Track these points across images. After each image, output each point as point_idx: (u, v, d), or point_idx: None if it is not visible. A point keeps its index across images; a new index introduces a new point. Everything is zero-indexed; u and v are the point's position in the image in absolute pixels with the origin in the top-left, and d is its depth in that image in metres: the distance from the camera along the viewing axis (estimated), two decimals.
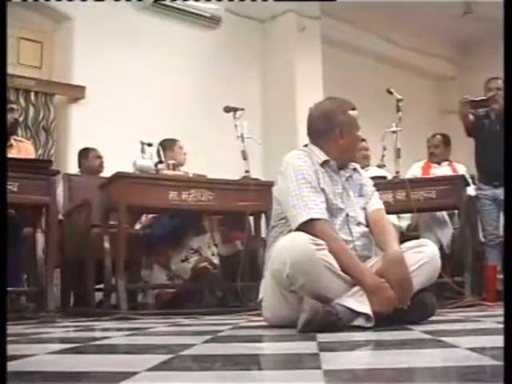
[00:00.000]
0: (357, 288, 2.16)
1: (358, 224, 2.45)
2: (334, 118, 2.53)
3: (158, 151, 4.48)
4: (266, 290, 2.37)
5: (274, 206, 2.54)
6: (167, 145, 4.73)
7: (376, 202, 2.57)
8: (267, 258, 2.42)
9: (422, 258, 2.28)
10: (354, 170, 2.60)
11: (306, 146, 2.57)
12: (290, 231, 2.31)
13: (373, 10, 7.39)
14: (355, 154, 2.72)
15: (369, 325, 2.08)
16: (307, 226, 2.25)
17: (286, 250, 2.14)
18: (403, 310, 2.19)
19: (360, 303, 2.11)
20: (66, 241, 4.35)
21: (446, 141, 5.19)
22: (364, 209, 2.51)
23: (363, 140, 4.88)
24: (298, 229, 2.27)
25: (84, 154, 5.07)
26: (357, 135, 2.61)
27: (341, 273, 2.19)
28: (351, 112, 2.56)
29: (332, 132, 2.53)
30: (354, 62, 7.83)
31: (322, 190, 2.39)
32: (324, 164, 2.48)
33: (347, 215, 2.43)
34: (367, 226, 2.49)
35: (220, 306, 4.23)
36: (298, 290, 2.14)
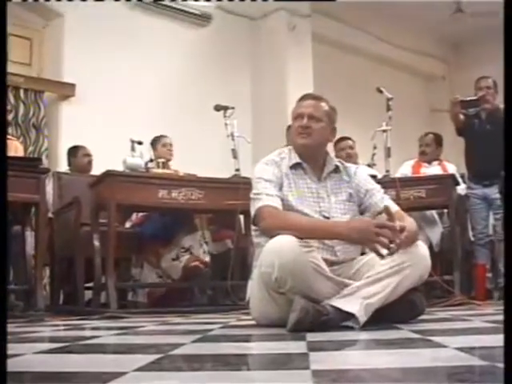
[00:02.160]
0: (346, 290, 2.15)
1: None
2: None
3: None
4: (253, 290, 2.37)
5: None
6: (154, 142, 4.78)
7: (384, 199, 2.48)
8: (256, 256, 2.41)
9: (412, 257, 2.25)
10: (336, 170, 2.51)
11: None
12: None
13: (363, 9, 7.39)
14: (297, 145, 2.47)
15: (357, 326, 2.07)
16: (259, 217, 2.30)
17: (273, 252, 2.13)
18: (392, 309, 2.19)
19: (349, 303, 2.10)
20: (56, 239, 4.34)
21: (438, 140, 5.16)
22: (346, 214, 2.42)
23: (347, 138, 4.87)
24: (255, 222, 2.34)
25: (73, 152, 5.04)
26: (294, 123, 2.50)
27: (330, 274, 2.18)
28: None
29: None
30: (345, 60, 7.84)
31: (284, 196, 2.36)
32: (297, 166, 2.46)
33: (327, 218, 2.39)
34: None
35: (210, 305, 4.23)
36: (287, 292, 2.13)
